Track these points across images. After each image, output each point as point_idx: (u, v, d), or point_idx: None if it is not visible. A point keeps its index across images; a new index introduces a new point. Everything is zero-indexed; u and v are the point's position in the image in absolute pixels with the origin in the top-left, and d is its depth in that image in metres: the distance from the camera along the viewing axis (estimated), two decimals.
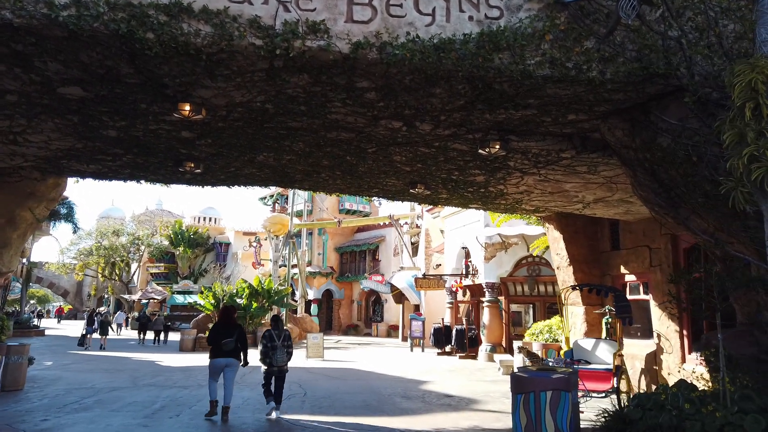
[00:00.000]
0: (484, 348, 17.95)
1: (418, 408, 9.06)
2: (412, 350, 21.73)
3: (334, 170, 9.54)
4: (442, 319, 21.11)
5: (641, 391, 10.26)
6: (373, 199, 11.77)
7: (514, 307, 19.62)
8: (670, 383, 9.73)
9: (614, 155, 7.45)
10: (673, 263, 9.88)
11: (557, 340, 13.00)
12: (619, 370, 8.64)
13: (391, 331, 32.61)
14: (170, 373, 13.76)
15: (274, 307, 26.17)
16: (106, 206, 65.05)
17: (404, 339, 27.73)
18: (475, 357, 18.38)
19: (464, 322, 19.46)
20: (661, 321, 10.09)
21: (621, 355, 8.85)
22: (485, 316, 18.12)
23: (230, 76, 5.84)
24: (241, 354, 8.21)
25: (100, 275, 47.62)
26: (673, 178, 6.13)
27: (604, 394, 8.41)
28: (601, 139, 7.22)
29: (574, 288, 9.94)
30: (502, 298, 18.32)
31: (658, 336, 10.12)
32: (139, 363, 16.65)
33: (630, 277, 11.25)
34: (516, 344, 13.57)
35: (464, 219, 19.88)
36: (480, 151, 7.39)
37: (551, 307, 17.70)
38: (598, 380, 8.40)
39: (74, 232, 35.52)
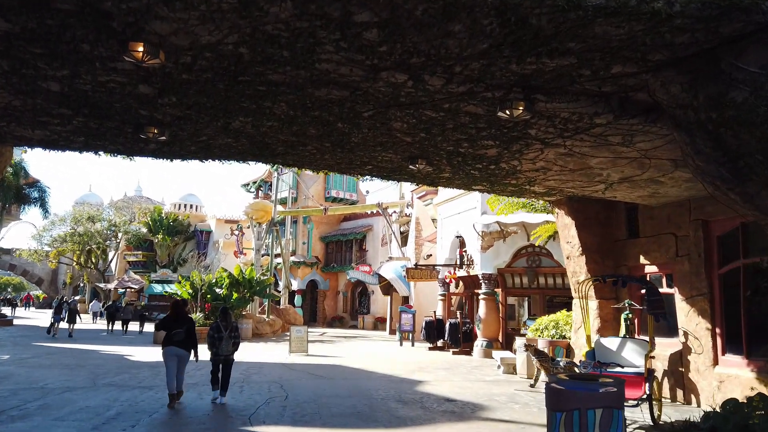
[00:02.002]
0: (479, 343, 16.82)
1: (417, 416, 7.84)
2: (401, 344, 20.58)
3: (323, 141, 8.24)
4: (434, 312, 19.95)
5: (664, 397, 9.19)
6: (365, 178, 10.47)
7: (509, 300, 18.52)
8: (700, 387, 8.67)
9: (659, 120, 6.28)
10: (705, 252, 8.76)
11: (565, 337, 11.89)
12: (651, 375, 7.50)
13: (378, 324, 31.46)
14: (137, 370, 12.42)
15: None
16: (83, 192, 62.86)
17: (392, 332, 26.59)
18: (469, 353, 17.26)
19: (458, 316, 18.31)
20: (689, 318, 8.99)
21: (653, 357, 7.72)
22: (481, 310, 16.98)
23: (191, 2, 4.52)
24: (192, 349, 8.53)
25: (75, 263, 45.79)
26: (745, 142, 4.95)
27: (635, 403, 7.27)
28: (644, 100, 6.03)
29: (596, 279, 8.78)
30: (499, 291, 17.18)
31: (685, 334, 9.03)
32: (105, 357, 15.27)
33: (651, 268, 10.13)
34: (519, 341, 12.43)
35: (459, 206, 18.70)
36: (500, 113, 6.16)
37: (552, 300, 16.62)
38: (629, 386, 7.25)
39: (45, 217, 33.92)
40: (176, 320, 8.49)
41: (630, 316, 9.44)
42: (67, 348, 17.68)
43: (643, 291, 10.21)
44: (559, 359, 10.39)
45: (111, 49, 5.36)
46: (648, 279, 9.37)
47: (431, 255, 24.31)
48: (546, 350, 11.17)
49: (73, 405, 8.16)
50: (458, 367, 14.12)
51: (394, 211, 30.88)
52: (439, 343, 18.88)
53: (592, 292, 10.80)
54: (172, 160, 9.67)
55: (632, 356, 8.08)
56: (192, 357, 8.50)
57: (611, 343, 8.52)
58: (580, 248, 10.87)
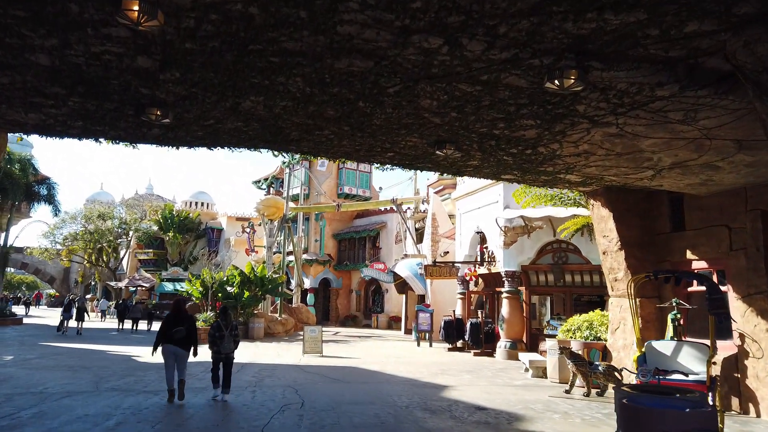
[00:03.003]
0: (502, 344, 16.00)
1: (448, 428, 7.05)
2: (418, 345, 19.80)
3: (341, 124, 7.49)
4: (453, 311, 19.13)
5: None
6: (385, 167, 9.68)
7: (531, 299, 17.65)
8: (760, 396, 7.82)
9: (732, 92, 5.46)
10: (764, 246, 7.90)
11: (600, 338, 11.03)
12: (714, 383, 6.68)
13: (392, 323, 30.72)
14: (143, 372, 11.76)
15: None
16: (95, 190, 62.77)
17: (407, 331, 25.87)
18: (491, 354, 16.46)
19: (479, 315, 17.49)
20: (745, 318, 8.13)
21: (714, 363, 6.89)
22: (504, 309, 16.15)
23: None
24: (191, 346, 8.62)
25: (86, 261, 45.52)
26: None
27: None
28: (716, 67, 5.21)
29: (648, 276, 7.95)
30: (522, 289, 16.32)
31: (741, 337, 8.17)
32: (112, 358, 14.66)
33: (698, 264, 9.27)
34: (550, 343, 11.58)
35: (479, 200, 17.87)
36: (547, 84, 5.36)
37: (579, 299, 15.76)
38: None
39: (55, 215, 33.54)
40: (177, 319, 8.61)
41: (678, 316, 8.59)
42: (73, 348, 17.12)
43: (690, 289, 9.39)
44: (597, 363, 9.57)
45: (102, 9, 4.65)
46: (706, 276, 8.46)
47: (448, 252, 23.50)
48: (580, 353, 10.34)
49: (71, 413, 7.48)
50: (482, 369, 13.31)
51: (408, 208, 30.11)
52: (459, 343, 18.08)
53: (631, 289, 9.96)
54: (178, 148, 8.98)
55: (690, 362, 7.25)
56: (191, 355, 8.64)
57: (665, 347, 7.68)
58: (619, 242, 10.03)
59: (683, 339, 8.54)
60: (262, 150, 9.43)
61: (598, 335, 11.09)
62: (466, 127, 7.11)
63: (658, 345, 7.81)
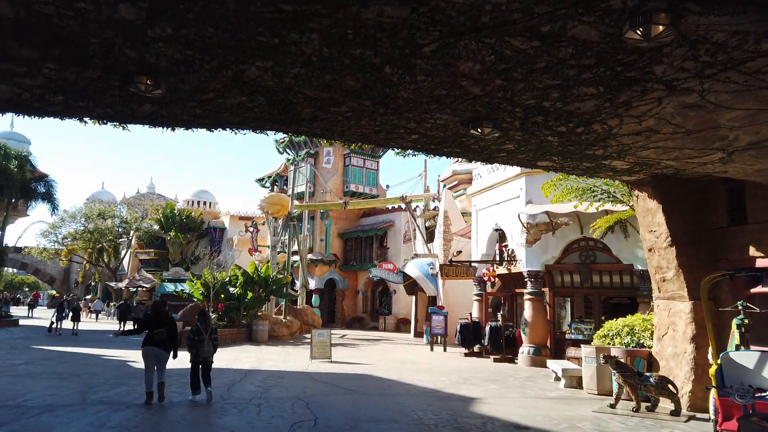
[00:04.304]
0: (524, 350, 14.91)
1: None
2: (432, 349, 18.74)
3: (362, 98, 6.43)
4: (470, 313, 18.03)
5: None
6: (407, 153, 8.60)
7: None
8: None
9: None
10: None
11: (644, 345, 9.93)
12: None
13: (401, 325, 29.65)
14: (137, 381, 10.67)
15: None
16: (95, 189, 61.93)
17: (417, 334, 24.81)
18: (512, 360, 15.38)
19: (500, 318, 16.40)
20: None
21: None
22: (527, 312, 15.06)
23: None
24: (171, 348, 8.63)
25: (85, 261, 44.58)
26: None
27: None
28: None
29: (725, 276, 6.86)
30: (546, 290, 15.23)
31: None
32: (106, 363, 13.65)
33: (763, 262, 8.17)
34: (587, 349, 10.47)
35: (498, 196, 16.80)
36: (628, 34, 4.30)
37: (608, 301, 14.66)
38: None
39: (53, 213, 32.59)
40: (158, 320, 8.57)
41: (746, 321, 7.48)
42: (66, 352, 16.11)
43: (753, 290, 8.30)
44: (647, 374, 8.49)
45: None
46: None
47: (461, 251, 22.42)
48: (623, 361, 9.25)
49: None
50: (507, 378, 12.22)
51: (418, 206, 29.03)
52: (476, 348, 16.99)
53: (683, 290, 8.89)
54: (173, 129, 7.93)
55: None
56: (171, 357, 8.63)
57: (746, 358, 6.58)
58: (669, 238, 8.95)
59: (748, 347, 7.45)
60: (268, 132, 8.37)
61: (642, 341, 9.98)
62: (511, 99, 6.04)
63: (738, 357, 6.70)
